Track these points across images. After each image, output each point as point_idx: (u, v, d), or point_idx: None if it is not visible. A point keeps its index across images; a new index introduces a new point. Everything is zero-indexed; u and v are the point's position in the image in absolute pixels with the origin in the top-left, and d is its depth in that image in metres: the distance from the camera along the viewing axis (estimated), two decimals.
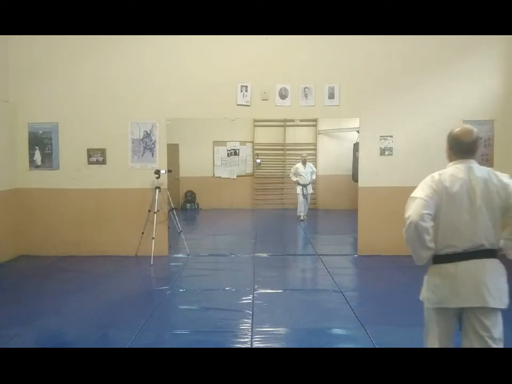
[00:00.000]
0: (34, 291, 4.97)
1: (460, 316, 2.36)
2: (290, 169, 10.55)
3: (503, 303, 2.29)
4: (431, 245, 2.31)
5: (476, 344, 2.28)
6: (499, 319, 2.31)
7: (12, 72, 6.42)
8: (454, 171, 2.36)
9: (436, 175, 2.37)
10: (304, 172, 9.91)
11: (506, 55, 6.35)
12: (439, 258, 2.36)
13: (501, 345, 2.29)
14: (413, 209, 2.28)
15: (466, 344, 2.34)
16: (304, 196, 10.01)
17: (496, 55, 6.37)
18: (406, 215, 2.31)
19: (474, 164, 2.37)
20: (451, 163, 2.43)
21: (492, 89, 6.36)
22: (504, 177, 2.35)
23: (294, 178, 10.03)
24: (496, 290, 2.28)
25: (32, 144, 6.51)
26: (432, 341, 2.41)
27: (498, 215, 2.31)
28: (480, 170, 2.34)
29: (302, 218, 10.02)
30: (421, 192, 2.33)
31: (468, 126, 2.49)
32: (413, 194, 2.37)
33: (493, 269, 2.31)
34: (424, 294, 2.45)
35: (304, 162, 9.96)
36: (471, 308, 2.29)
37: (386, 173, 6.41)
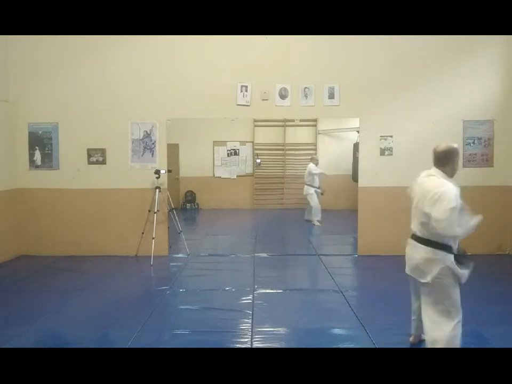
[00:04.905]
0: (34, 291, 4.97)
1: None
2: (290, 169, 10.40)
3: None
4: None
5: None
6: None
7: (12, 72, 6.42)
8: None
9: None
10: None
11: (506, 55, 6.35)
12: None
13: None
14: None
15: None
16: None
17: (496, 55, 6.36)
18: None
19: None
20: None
21: (491, 89, 6.36)
22: None
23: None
24: None
25: (32, 144, 6.51)
26: None
27: None
28: None
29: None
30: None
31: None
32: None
33: None
34: None
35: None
36: None
37: (386, 173, 6.41)
